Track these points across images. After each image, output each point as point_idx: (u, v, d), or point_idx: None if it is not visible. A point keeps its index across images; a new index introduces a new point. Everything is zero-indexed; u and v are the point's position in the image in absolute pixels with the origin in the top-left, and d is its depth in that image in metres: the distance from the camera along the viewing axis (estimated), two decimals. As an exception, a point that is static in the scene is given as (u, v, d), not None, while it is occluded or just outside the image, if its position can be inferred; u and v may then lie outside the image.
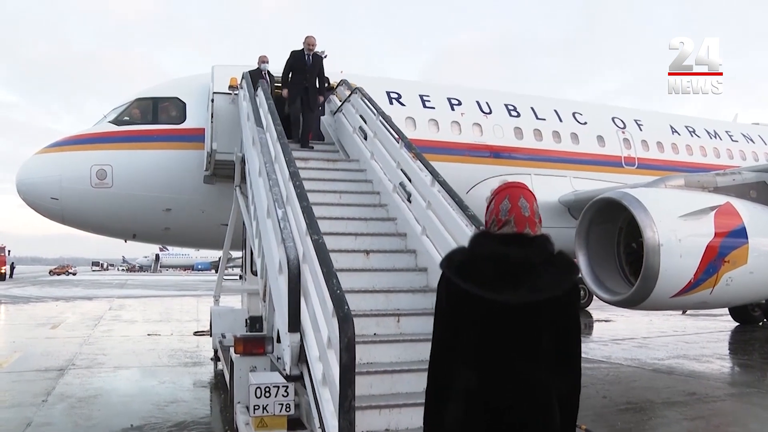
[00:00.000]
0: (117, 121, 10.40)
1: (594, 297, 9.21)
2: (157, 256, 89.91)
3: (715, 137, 14.44)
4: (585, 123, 12.74)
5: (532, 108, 12.44)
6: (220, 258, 11.84)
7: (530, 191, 2.10)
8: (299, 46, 8.96)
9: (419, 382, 4.19)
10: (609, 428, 5.63)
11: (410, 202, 6.22)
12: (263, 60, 9.58)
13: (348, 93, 8.91)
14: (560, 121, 12.53)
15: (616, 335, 12.97)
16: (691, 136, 14.01)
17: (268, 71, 9.58)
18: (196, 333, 12.48)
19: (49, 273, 74.96)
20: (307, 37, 8.88)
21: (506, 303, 1.92)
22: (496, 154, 11.59)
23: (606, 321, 15.94)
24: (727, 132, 14.83)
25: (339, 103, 9.23)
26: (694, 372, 8.61)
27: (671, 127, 13.90)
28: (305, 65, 8.82)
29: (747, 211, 8.38)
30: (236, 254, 10.99)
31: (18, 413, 6.12)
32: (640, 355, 9.97)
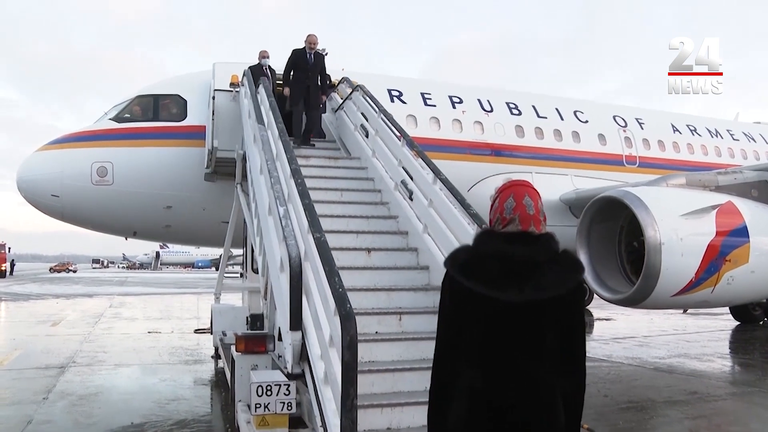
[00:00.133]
0: (118, 119, 10.37)
1: (595, 295, 9.20)
2: (158, 253, 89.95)
3: (717, 136, 14.42)
4: (586, 121, 12.72)
5: (533, 106, 12.41)
6: (220, 255, 11.83)
7: (535, 189, 2.09)
8: (300, 46, 8.94)
9: (421, 381, 4.18)
10: (610, 427, 5.62)
11: (412, 200, 6.21)
12: (264, 55, 9.54)
13: (349, 90, 8.89)
14: (561, 119, 12.50)
15: (617, 334, 12.97)
16: (693, 134, 13.98)
17: (270, 66, 9.55)
18: (196, 331, 12.50)
19: (50, 270, 75.01)
20: (308, 36, 8.87)
21: (510, 301, 1.91)
22: (497, 152, 11.57)
23: (607, 319, 15.93)
24: (728, 131, 14.80)
25: (340, 101, 9.22)
26: (696, 371, 8.61)
27: (672, 126, 13.87)
28: (307, 64, 8.81)
29: (748, 210, 8.38)
30: (237, 252, 10.98)
31: (18, 411, 6.12)
32: (641, 354, 9.97)
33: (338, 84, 9.71)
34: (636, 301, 7.98)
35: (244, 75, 8.88)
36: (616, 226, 8.51)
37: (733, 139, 14.62)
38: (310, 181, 5.60)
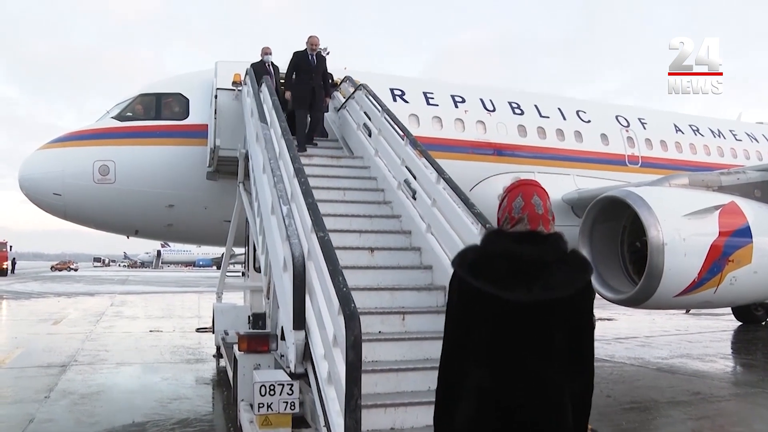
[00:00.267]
0: (120, 117, 10.35)
1: (597, 295, 9.18)
2: (159, 252, 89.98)
3: (719, 136, 14.37)
4: (589, 121, 12.69)
5: (535, 106, 12.38)
6: (222, 254, 11.82)
7: (543, 189, 2.07)
8: (300, 46, 8.81)
9: (424, 381, 4.17)
10: (614, 428, 5.62)
11: (415, 199, 6.19)
12: (266, 51, 9.47)
13: (352, 90, 8.86)
14: (564, 119, 12.47)
15: (619, 334, 12.95)
16: (695, 134, 13.94)
17: (272, 63, 9.50)
18: (198, 330, 12.49)
19: (51, 269, 75.03)
20: (310, 37, 8.78)
21: (519, 301, 1.90)
22: (500, 151, 11.54)
23: (609, 320, 15.91)
24: (731, 131, 14.76)
25: (343, 100, 9.19)
26: (698, 371, 8.59)
27: (675, 126, 13.83)
28: (310, 65, 8.70)
29: (751, 210, 8.35)
30: (238, 251, 10.98)
31: (20, 409, 6.11)
32: (644, 354, 9.96)
33: (341, 83, 9.68)
34: (638, 301, 7.95)
35: (246, 73, 8.84)
36: (618, 226, 8.49)
37: (736, 139, 14.58)
38: (312, 180, 5.58)
